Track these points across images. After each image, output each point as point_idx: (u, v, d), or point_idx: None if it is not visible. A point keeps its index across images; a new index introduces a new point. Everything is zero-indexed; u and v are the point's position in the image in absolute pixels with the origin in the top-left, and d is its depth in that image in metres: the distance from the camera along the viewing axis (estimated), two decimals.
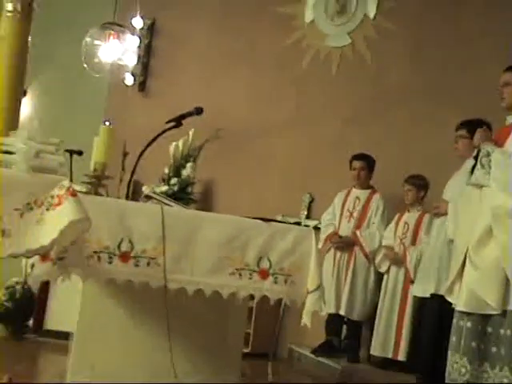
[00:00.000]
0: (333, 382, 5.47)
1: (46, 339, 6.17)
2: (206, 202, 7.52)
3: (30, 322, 6.48)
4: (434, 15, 6.51)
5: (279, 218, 6.33)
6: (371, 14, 6.89)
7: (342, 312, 5.80)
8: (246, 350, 5.41)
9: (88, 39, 6.70)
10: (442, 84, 6.28)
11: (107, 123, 3.67)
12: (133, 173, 3.85)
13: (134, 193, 4.02)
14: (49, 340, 6.09)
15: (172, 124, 3.89)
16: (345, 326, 6.00)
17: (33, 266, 6.24)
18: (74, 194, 2.29)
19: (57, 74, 8.28)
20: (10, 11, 2.43)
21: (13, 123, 2.39)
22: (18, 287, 6.43)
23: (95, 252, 3.12)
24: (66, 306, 5.85)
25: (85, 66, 6.74)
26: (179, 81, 8.00)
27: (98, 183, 3.57)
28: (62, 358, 4.77)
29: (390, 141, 6.47)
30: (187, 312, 3.59)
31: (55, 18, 8.01)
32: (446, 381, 3.47)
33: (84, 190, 3.40)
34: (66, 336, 5.62)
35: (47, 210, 2.29)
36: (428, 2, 6.60)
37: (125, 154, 4.36)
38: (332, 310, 5.78)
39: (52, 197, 2.29)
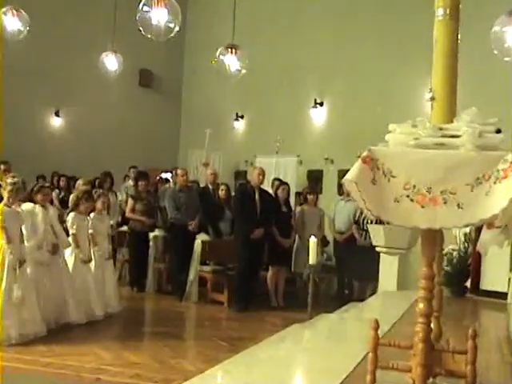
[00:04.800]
0: None
1: (482, 298, 6.19)
2: None
3: (468, 283, 6.56)
4: None
5: None
6: None
7: None
8: None
9: (496, 28, 6.52)
10: None
11: None
12: None
13: None
14: (485, 299, 6.10)
15: None
16: None
17: (465, 234, 6.30)
18: None
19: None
20: (440, 15, 2.51)
21: (451, 112, 2.47)
22: (455, 253, 6.57)
23: None
24: (497, 269, 5.82)
25: (494, 52, 6.57)
26: None
27: None
28: (499, 314, 4.77)
29: None
30: None
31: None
32: None
33: None
34: (499, 295, 5.59)
35: (494, 183, 2.33)
36: None
37: None
38: None
39: (498, 171, 2.33)
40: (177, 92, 15.98)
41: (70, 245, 7.11)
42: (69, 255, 7.13)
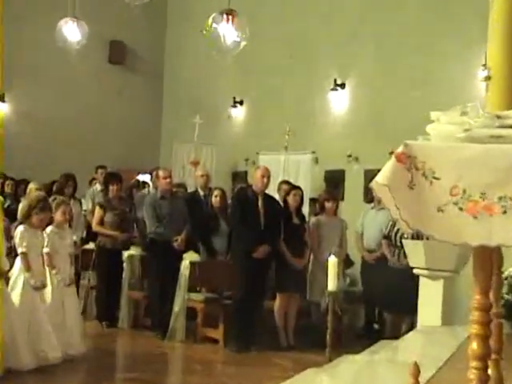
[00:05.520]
0: None
1: None
2: None
3: None
4: None
5: None
6: None
7: None
8: None
9: None
10: None
11: None
12: None
13: None
14: None
15: None
16: None
17: None
18: None
19: None
20: None
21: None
22: None
23: None
24: None
25: None
26: None
27: None
28: None
29: None
30: None
31: None
32: None
33: None
34: None
35: None
36: None
37: None
38: None
39: None
40: (158, 70, 16.03)
41: (7, 268, 7.06)
42: (14, 279, 7.11)
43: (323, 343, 6.38)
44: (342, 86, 12.47)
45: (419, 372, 2.69)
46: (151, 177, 11.53)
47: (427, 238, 2.53)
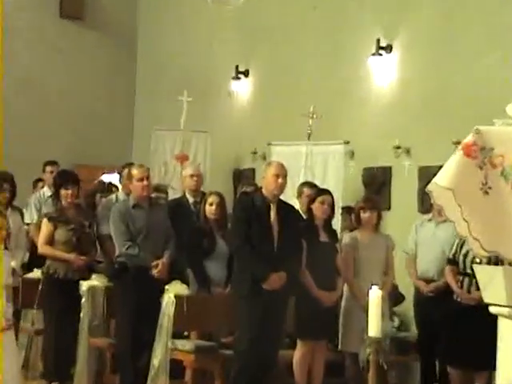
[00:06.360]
0: None
1: None
2: None
3: None
4: None
5: None
6: None
7: None
8: None
9: None
10: None
11: None
12: None
13: None
14: None
15: None
16: None
17: None
18: None
19: None
20: None
21: None
22: None
23: None
24: None
25: None
26: None
27: None
28: None
29: None
30: None
31: None
32: None
33: None
34: None
35: None
36: None
37: None
38: None
39: None
40: (129, 30, 16.10)
41: None
42: None
43: None
44: (388, 49, 12.48)
45: None
46: (121, 177, 11.55)
47: (509, 264, 2.51)
